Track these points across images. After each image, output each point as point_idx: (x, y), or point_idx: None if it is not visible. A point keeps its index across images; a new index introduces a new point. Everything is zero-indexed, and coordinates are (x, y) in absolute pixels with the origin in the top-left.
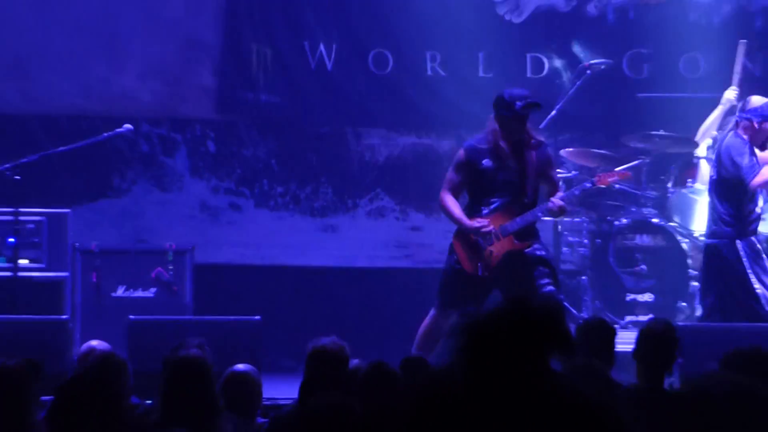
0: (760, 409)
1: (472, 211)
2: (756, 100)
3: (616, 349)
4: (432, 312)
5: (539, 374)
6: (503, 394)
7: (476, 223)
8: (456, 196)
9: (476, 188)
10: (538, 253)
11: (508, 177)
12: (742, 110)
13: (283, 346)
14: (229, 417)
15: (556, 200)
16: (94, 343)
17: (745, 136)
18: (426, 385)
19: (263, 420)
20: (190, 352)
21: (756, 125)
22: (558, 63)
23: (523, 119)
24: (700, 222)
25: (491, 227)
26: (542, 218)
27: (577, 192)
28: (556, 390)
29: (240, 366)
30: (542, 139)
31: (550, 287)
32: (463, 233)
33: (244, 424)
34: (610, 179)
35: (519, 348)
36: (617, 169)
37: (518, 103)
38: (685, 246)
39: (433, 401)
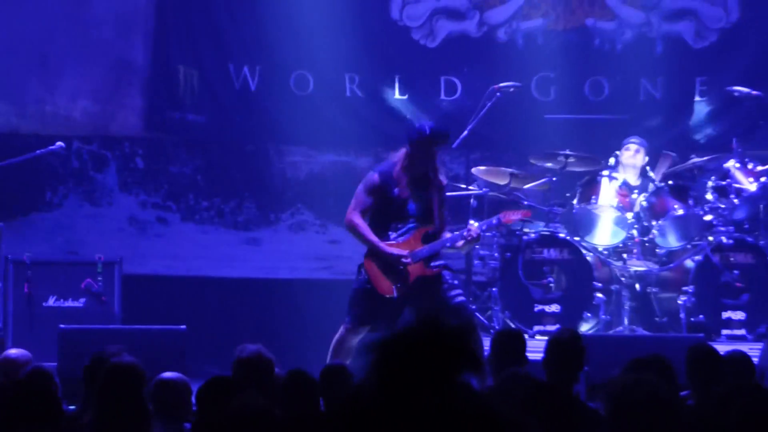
0: (662, 407)
1: (378, 234)
2: None
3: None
4: (342, 328)
5: (449, 391)
6: (414, 409)
7: (395, 251)
8: (363, 218)
9: (385, 213)
10: (444, 271)
11: (418, 205)
12: None
13: (208, 354)
14: (157, 423)
15: (474, 228)
16: (13, 352)
17: None
18: (347, 399)
19: (189, 425)
20: (124, 359)
21: None
22: (469, 85)
23: (433, 152)
24: (603, 237)
25: (408, 258)
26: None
27: (484, 227)
28: (467, 406)
29: (168, 373)
30: (445, 181)
31: (461, 298)
32: (376, 255)
33: (173, 430)
34: (513, 217)
35: (428, 366)
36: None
37: (429, 135)
38: (589, 259)
39: (353, 415)
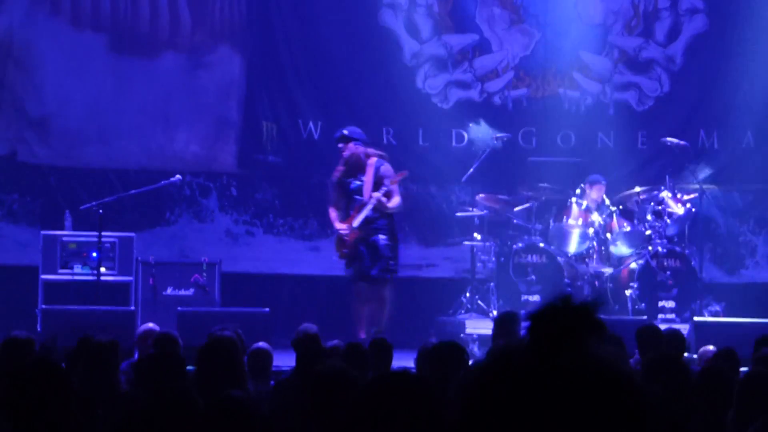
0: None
1: (345, 214)
2: None
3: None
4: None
5: (583, 350)
6: (559, 367)
7: (338, 226)
8: (337, 208)
9: (344, 198)
10: (379, 242)
11: (357, 186)
12: None
13: (284, 330)
14: (251, 381)
15: (374, 195)
16: (150, 325)
17: None
18: (497, 356)
19: (273, 383)
20: (225, 332)
21: None
22: (473, 135)
23: (359, 144)
24: (571, 246)
25: (346, 229)
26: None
27: (381, 191)
28: (597, 359)
29: (260, 343)
30: (381, 153)
31: (374, 271)
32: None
33: (261, 386)
34: (396, 179)
35: (569, 329)
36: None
37: (348, 134)
38: (561, 262)
39: (504, 369)
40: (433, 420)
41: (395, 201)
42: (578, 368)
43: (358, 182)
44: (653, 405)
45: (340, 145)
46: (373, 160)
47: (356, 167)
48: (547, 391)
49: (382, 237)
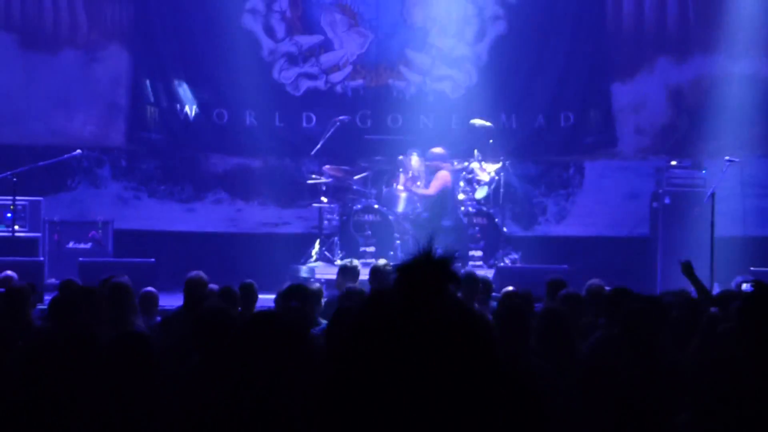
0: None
1: None
2: None
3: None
4: None
5: (442, 294)
6: (424, 308)
7: None
8: None
9: None
10: None
11: None
12: None
13: (167, 276)
14: (140, 318)
15: None
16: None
17: None
18: (370, 302)
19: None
20: (120, 279)
21: None
22: (320, 117)
23: None
24: (400, 207)
25: None
26: None
27: None
28: (454, 303)
29: (148, 288)
30: None
31: None
32: None
33: (150, 322)
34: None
35: (429, 277)
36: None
37: None
38: (391, 219)
39: (375, 312)
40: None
41: None
42: (438, 310)
43: None
44: (498, 341)
45: None
46: None
47: None
48: (412, 330)
49: None
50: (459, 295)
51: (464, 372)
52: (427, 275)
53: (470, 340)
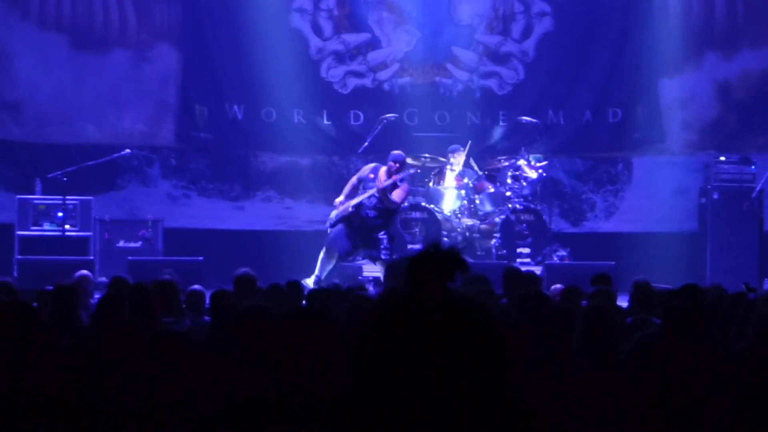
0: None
1: None
2: None
3: None
4: None
5: (446, 287)
6: (429, 298)
7: None
8: None
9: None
10: None
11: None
12: None
13: (215, 274)
14: (187, 313)
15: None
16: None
17: None
18: (388, 292)
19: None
20: (165, 277)
21: None
22: (367, 115)
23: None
24: (447, 205)
25: None
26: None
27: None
28: (458, 296)
29: (195, 286)
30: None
31: None
32: None
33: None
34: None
35: (438, 266)
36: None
37: None
38: (438, 217)
39: (386, 305)
40: (330, 343)
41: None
42: (444, 298)
43: None
44: (506, 331)
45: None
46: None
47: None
48: (420, 316)
49: None
50: (503, 290)
51: (471, 359)
52: (435, 264)
53: (470, 327)
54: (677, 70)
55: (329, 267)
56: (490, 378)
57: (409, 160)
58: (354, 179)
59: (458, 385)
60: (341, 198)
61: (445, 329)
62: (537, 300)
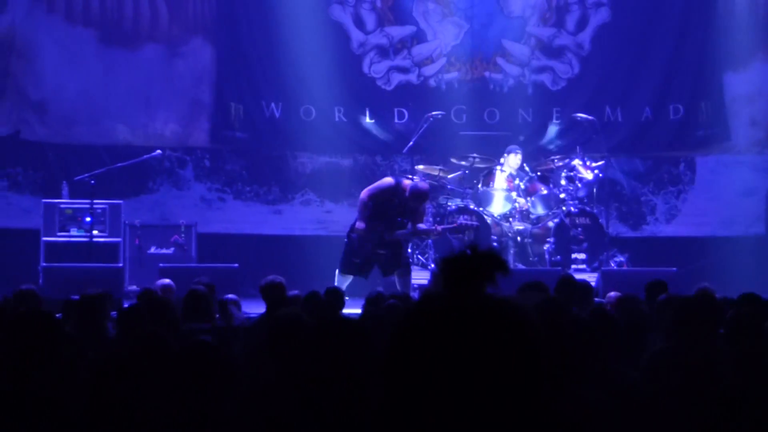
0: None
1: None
2: None
3: None
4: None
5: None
6: (462, 302)
7: None
8: None
9: None
10: None
11: None
12: None
13: (251, 282)
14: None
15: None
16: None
17: None
18: (423, 295)
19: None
20: (199, 287)
21: None
22: (412, 113)
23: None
24: (497, 208)
25: None
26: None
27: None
28: (495, 299)
29: (229, 295)
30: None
31: None
32: None
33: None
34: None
35: (477, 268)
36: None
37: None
38: (488, 221)
39: (425, 308)
40: (367, 355)
41: None
42: (478, 301)
43: None
44: (539, 336)
45: None
46: None
47: None
48: (450, 319)
49: None
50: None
51: (503, 365)
52: (470, 266)
53: (502, 331)
54: (743, 63)
55: (347, 282)
56: (523, 384)
57: (454, 161)
58: (365, 197)
59: (488, 393)
60: (361, 224)
61: (475, 333)
62: (553, 309)
